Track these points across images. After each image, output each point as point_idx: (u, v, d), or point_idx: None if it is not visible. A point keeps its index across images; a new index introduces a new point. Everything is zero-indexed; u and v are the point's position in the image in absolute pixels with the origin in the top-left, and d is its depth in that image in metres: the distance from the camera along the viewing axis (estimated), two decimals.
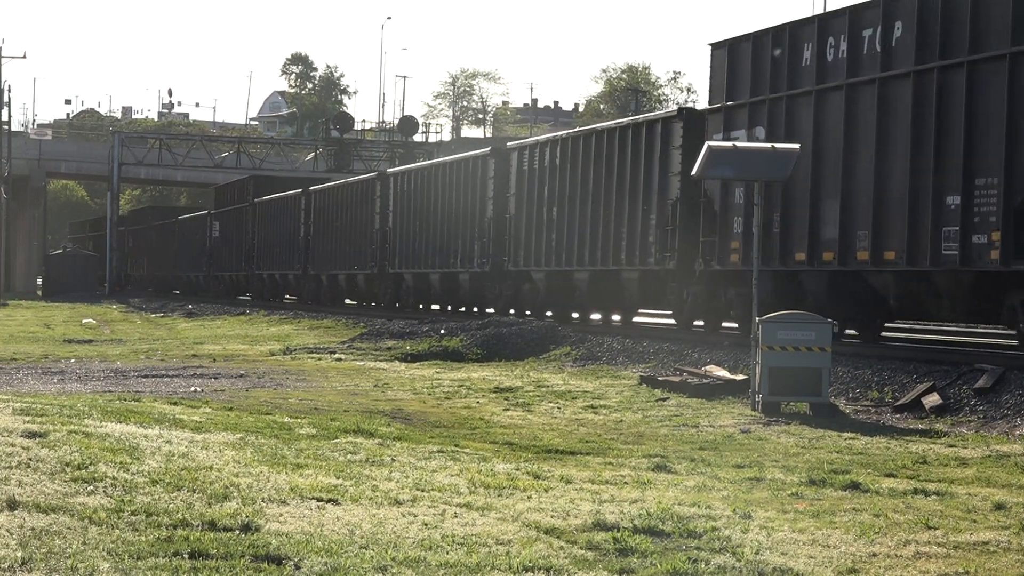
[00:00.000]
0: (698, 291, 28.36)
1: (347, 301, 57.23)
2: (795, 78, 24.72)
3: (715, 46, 27.12)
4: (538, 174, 35.71)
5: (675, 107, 31.95)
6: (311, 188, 59.47)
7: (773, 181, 22.60)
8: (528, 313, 36.94)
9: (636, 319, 34.99)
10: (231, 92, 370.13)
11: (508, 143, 41.01)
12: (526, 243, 36.27)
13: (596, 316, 35.27)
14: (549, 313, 36.13)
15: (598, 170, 32.37)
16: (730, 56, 26.60)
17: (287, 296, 66.80)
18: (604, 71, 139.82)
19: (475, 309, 42.39)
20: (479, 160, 40.30)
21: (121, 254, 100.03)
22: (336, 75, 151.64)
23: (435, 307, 46.22)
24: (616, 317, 34.32)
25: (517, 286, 37.84)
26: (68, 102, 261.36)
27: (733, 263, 26.19)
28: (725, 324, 29.09)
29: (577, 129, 36.77)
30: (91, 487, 10.40)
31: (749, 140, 25.41)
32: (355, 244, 51.96)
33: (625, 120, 32.91)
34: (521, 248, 36.60)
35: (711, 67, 27.22)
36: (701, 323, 29.72)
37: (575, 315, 35.41)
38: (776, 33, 25.22)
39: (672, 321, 31.90)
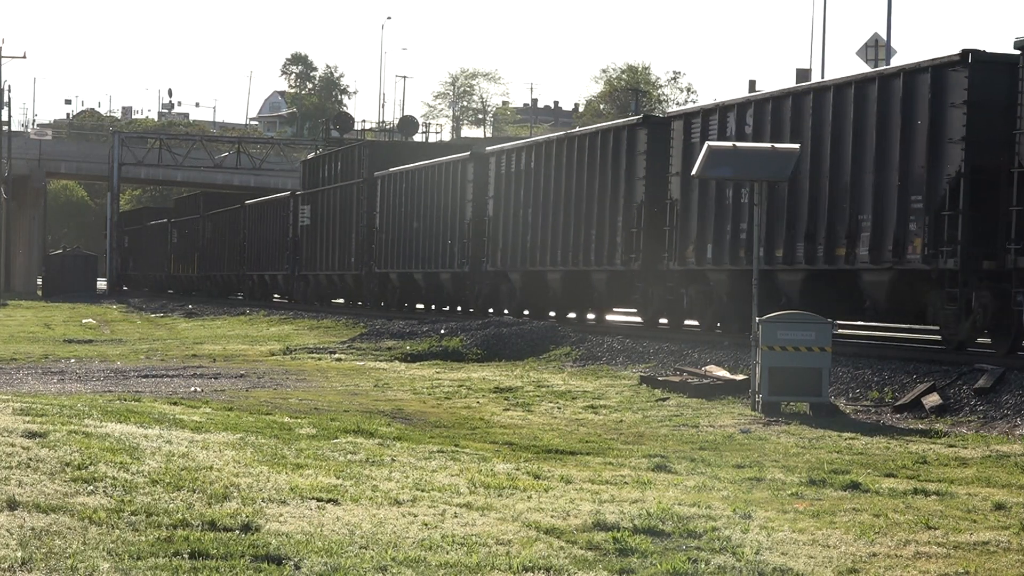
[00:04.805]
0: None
1: (551, 314, 36.78)
2: None
3: None
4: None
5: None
6: (489, 148, 40.30)
7: (774, 181, 22.54)
8: None
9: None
10: (231, 92, 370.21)
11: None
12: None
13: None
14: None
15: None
16: None
17: (419, 305, 47.82)
18: (604, 71, 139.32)
19: None
20: None
21: (165, 251, 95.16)
22: (336, 75, 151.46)
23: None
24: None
25: None
26: (68, 102, 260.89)
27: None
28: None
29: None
30: (91, 487, 10.40)
31: None
32: (582, 226, 33.33)
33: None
34: None
35: None
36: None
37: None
38: None
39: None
